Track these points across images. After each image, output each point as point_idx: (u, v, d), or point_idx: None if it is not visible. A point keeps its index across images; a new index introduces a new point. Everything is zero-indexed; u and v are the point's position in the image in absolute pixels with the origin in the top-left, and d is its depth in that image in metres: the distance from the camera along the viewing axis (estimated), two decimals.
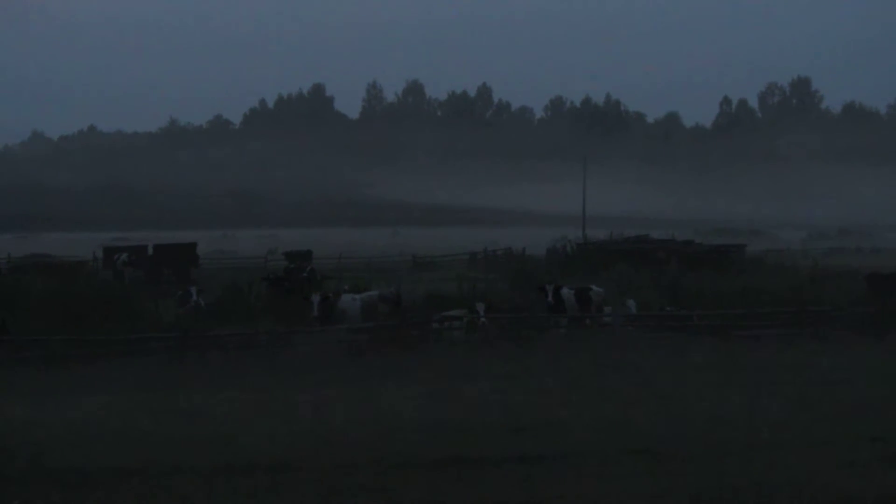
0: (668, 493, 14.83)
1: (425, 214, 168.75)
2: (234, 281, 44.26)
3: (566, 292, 36.90)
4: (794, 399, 22.54)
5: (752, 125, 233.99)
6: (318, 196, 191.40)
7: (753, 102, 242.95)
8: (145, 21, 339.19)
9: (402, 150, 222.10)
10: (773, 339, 33.26)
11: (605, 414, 20.97)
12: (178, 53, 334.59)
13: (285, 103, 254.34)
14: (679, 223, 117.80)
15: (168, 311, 38.18)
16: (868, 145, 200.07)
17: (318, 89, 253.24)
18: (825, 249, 78.33)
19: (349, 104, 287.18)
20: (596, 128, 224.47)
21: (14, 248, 77.18)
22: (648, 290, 43.30)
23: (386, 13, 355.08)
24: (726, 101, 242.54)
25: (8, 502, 14.97)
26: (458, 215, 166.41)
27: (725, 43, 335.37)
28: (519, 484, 15.43)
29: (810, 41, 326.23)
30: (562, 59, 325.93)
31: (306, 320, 35.24)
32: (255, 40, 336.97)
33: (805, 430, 19.05)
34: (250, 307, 38.65)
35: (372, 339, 33.18)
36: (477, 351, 31.76)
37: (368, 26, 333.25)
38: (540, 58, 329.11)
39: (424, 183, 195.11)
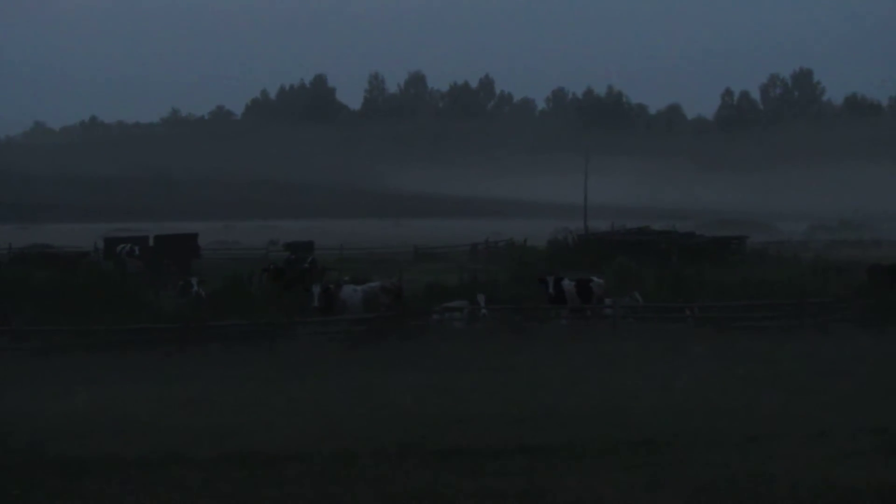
0: (668, 483, 14.83)
1: (427, 205, 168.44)
2: (235, 272, 44.19)
3: (567, 284, 36.86)
4: (795, 390, 22.55)
5: (753, 117, 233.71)
6: (319, 187, 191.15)
7: (755, 94, 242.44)
8: (146, 12, 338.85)
9: (403, 141, 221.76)
10: (774, 330, 33.27)
11: (606, 405, 20.98)
12: (180, 44, 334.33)
13: (287, 94, 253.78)
14: (680, 214, 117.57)
15: (169, 302, 38.15)
16: (870, 137, 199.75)
17: (320, 80, 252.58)
18: (826, 241, 78.25)
19: (351, 95, 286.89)
20: (598, 119, 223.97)
21: (15, 238, 77.00)
22: (650, 281, 43.20)
23: (388, 4, 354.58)
24: (728, 92, 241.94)
25: (7, 491, 14.96)
26: (460, 206, 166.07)
27: (727, 35, 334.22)
28: (519, 474, 15.42)
29: (812, 33, 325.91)
30: (564, 51, 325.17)
31: (307, 311, 35.20)
32: (257, 31, 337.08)
33: (805, 421, 19.05)
34: (251, 298, 38.60)
35: (373, 330, 33.17)
36: (478, 342, 31.75)
37: (370, 17, 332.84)
38: (542, 49, 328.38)
39: (426, 174, 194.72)
